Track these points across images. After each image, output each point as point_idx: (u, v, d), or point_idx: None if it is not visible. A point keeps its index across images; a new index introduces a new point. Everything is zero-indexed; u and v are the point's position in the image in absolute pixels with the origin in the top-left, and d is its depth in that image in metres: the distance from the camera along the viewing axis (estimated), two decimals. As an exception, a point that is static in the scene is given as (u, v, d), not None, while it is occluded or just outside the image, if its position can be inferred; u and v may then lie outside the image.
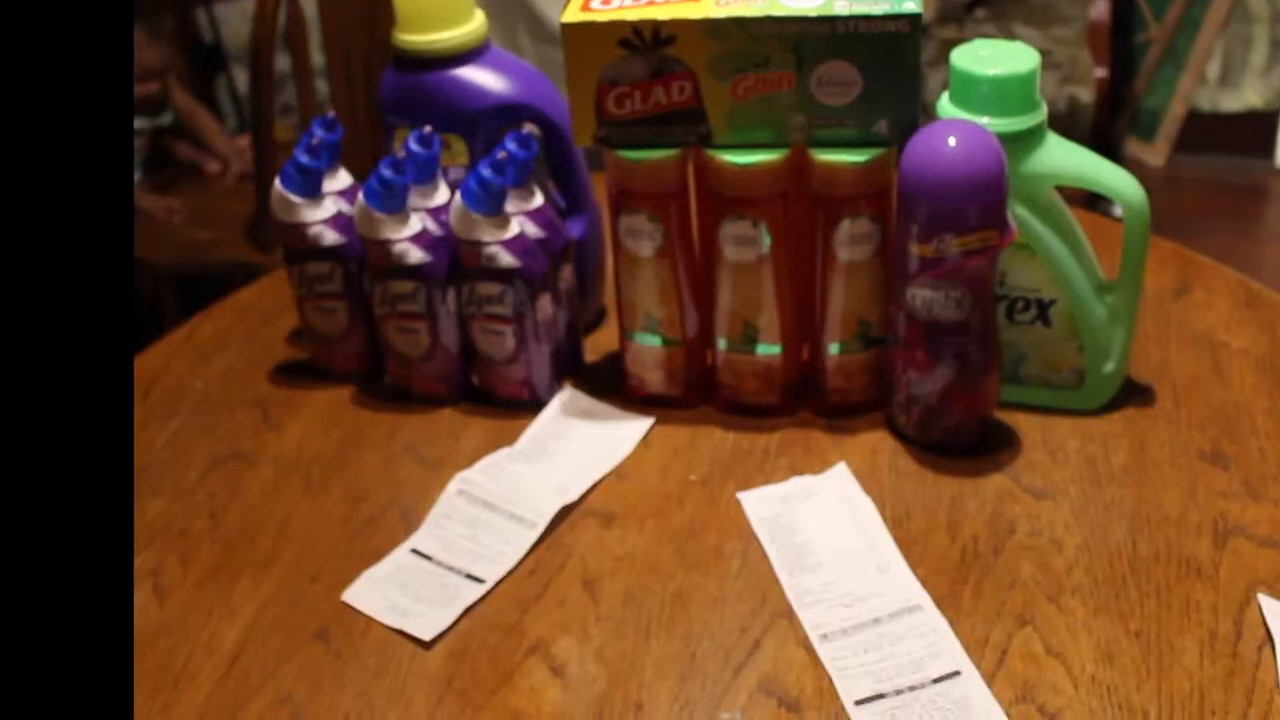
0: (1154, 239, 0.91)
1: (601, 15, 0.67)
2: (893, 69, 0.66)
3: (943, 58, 1.81)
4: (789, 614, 0.64)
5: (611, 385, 0.80)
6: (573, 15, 0.68)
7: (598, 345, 0.84)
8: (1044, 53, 1.68)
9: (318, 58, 1.71)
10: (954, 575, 0.65)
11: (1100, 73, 1.72)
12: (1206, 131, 2.21)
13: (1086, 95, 1.65)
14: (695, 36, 0.66)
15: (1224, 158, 2.23)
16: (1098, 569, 0.65)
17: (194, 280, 1.65)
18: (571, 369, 0.82)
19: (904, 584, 0.65)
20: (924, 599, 0.64)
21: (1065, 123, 1.66)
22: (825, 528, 0.68)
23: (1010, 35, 1.78)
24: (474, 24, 0.77)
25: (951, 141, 0.65)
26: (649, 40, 0.67)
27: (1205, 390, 0.77)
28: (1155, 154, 2.23)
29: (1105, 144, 1.88)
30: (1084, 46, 1.75)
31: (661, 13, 0.67)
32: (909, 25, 0.65)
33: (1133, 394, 0.76)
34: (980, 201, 0.65)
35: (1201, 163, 2.23)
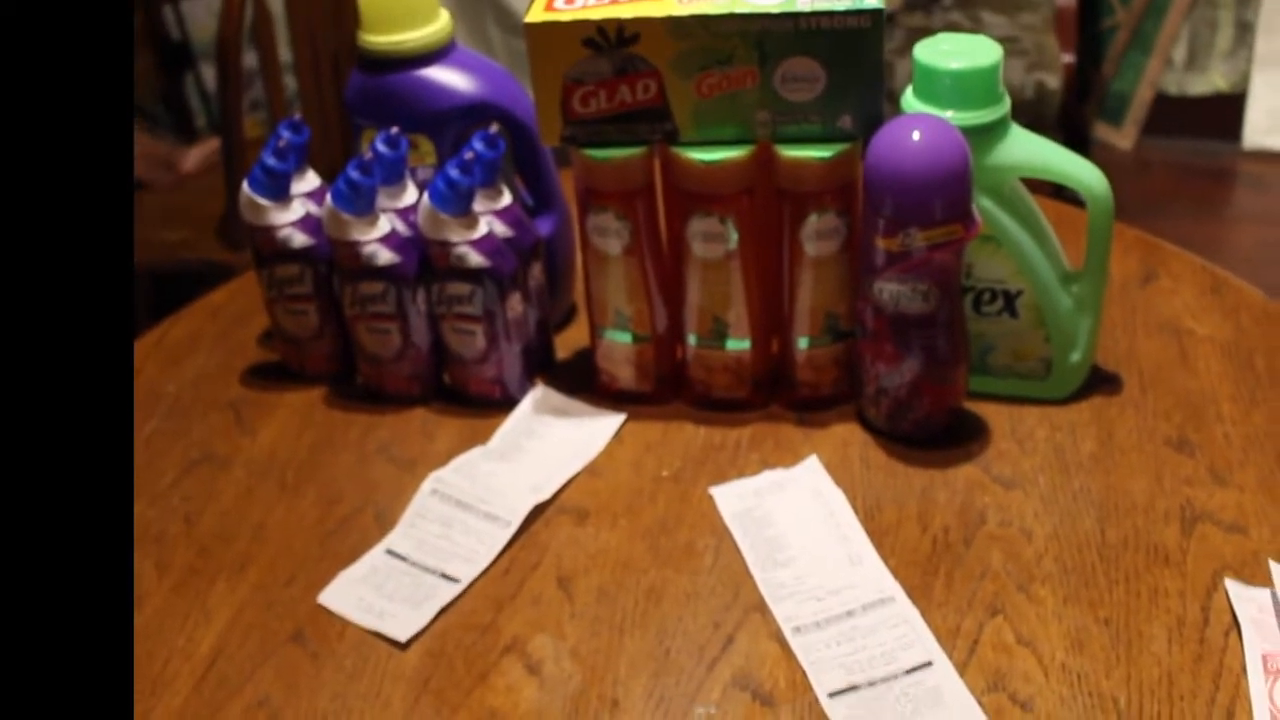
0: (1119, 226, 0.92)
1: (565, 15, 0.67)
2: (856, 64, 0.67)
3: (910, 46, 1.81)
4: (762, 608, 0.64)
5: (583, 382, 0.81)
6: (536, 15, 0.68)
7: (569, 342, 0.84)
8: (1011, 40, 1.68)
9: (285, 53, 1.70)
10: (925, 566, 0.66)
11: (1067, 59, 1.73)
12: (1173, 115, 2.23)
13: (1054, 81, 1.66)
14: (659, 35, 0.66)
15: (1191, 141, 2.25)
16: (1067, 557, 0.66)
17: (166, 280, 1.64)
18: (543, 366, 0.82)
19: (876, 576, 0.65)
20: (896, 590, 0.64)
21: (1033, 109, 1.68)
22: (797, 521, 0.69)
23: (977, 22, 1.79)
24: (439, 24, 0.77)
25: (915, 136, 0.65)
26: (613, 39, 0.67)
27: (1171, 378, 0.77)
28: (1123, 138, 2.24)
29: (1073, 129, 1.89)
30: (1051, 33, 1.76)
31: (625, 11, 0.67)
32: (871, 20, 0.65)
33: (1100, 382, 0.77)
34: (945, 195, 0.65)
35: (1169, 146, 2.25)
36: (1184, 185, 2.19)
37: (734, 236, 0.71)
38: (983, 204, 0.70)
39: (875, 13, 0.65)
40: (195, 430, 0.81)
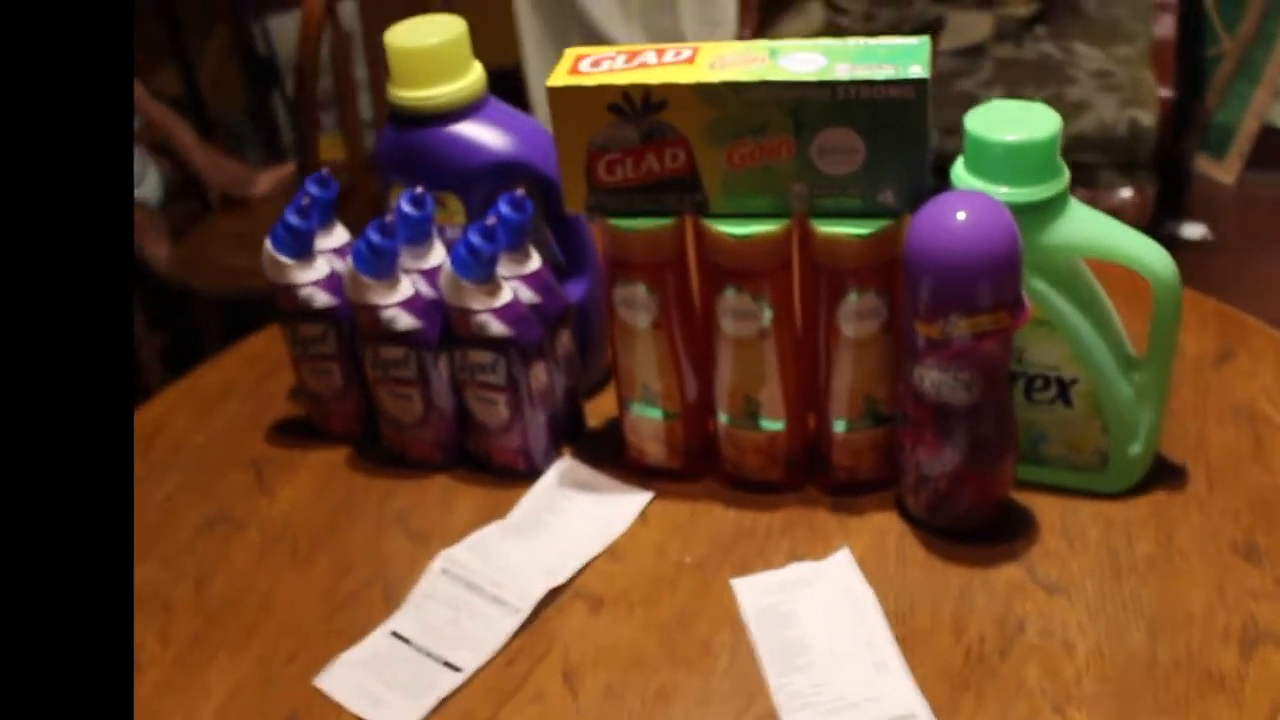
0: (1196, 296, 0.86)
1: (590, 79, 0.64)
2: (899, 136, 0.62)
3: (999, 79, 1.74)
4: (775, 719, 0.60)
5: (613, 452, 0.77)
6: (559, 79, 0.64)
7: (601, 409, 0.81)
8: (1105, 74, 1.61)
9: (362, 72, 1.69)
10: (955, 680, 0.61)
11: (1164, 93, 1.65)
12: (1281, 149, 2.12)
13: (1148, 118, 1.58)
14: (688, 102, 0.63)
15: (1300, 176, 2.14)
16: (1110, 677, 0.60)
17: (233, 309, 1.65)
18: (571, 436, 0.79)
19: (901, 688, 0.61)
20: (920, 706, 0.60)
21: (1126, 148, 1.60)
22: (822, 621, 0.65)
23: (1070, 54, 1.71)
24: (470, 78, 0.74)
25: (960, 216, 0.61)
26: (639, 105, 0.63)
27: (1243, 472, 0.71)
28: (1226, 171, 2.14)
29: (1172, 164, 1.80)
30: (1147, 66, 1.68)
31: (652, 76, 0.63)
32: (915, 91, 0.61)
33: (1163, 474, 0.71)
34: (991, 281, 0.61)
35: (1275, 181, 2.14)
36: (1289, 223, 2.08)
37: (768, 314, 0.67)
38: (1036, 286, 0.65)
39: (919, 83, 0.61)
40: (216, 488, 0.79)
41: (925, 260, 0.61)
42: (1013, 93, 1.63)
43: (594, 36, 2.32)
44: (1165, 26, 1.75)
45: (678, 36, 2.22)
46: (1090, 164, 1.61)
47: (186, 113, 2.04)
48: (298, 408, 0.85)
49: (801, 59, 0.63)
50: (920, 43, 0.63)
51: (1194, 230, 2.01)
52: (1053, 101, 1.64)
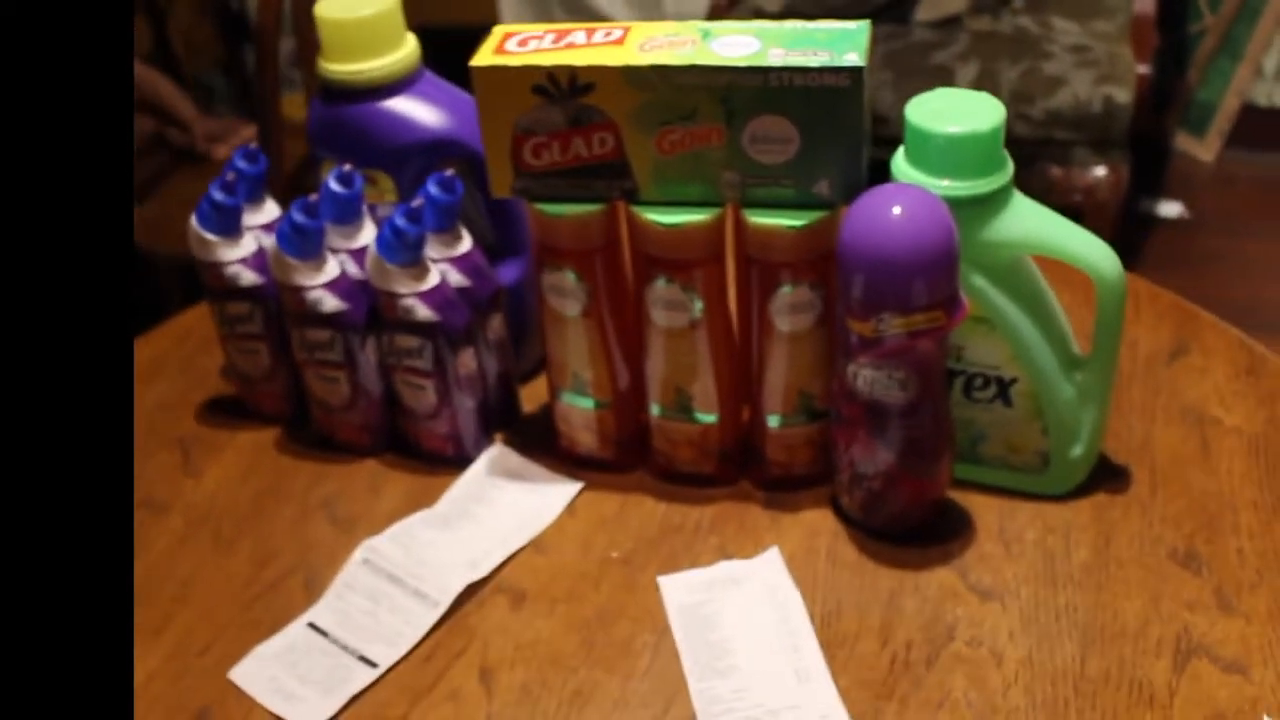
0: (1153, 289, 0.84)
1: (515, 59, 0.61)
2: (834, 126, 0.60)
3: (974, 53, 1.71)
4: (693, 725, 0.59)
5: (548, 440, 0.75)
6: (484, 58, 0.62)
7: (538, 395, 0.79)
8: (1082, 48, 1.58)
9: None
10: (879, 689, 0.59)
11: (1142, 70, 1.62)
12: (1261, 127, 2.09)
13: (1125, 95, 1.55)
14: (615, 85, 0.60)
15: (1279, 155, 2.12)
16: (1038, 690, 0.59)
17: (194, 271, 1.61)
18: (506, 422, 0.77)
19: (823, 696, 0.59)
20: (841, 716, 0.58)
21: (1101, 125, 1.57)
22: (746, 624, 0.63)
23: (1047, 28, 1.68)
24: (403, 51, 0.72)
25: (895, 210, 0.58)
26: (566, 88, 0.61)
27: (1187, 475, 0.70)
28: (1206, 150, 2.11)
29: (1150, 142, 1.78)
30: (1126, 42, 1.65)
31: (579, 58, 0.60)
32: (850, 79, 0.58)
33: (1106, 476, 0.70)
34: (926, 279, 0.58)
35: (1255, 160, 2.12)
36: (1269, 202, 2.06)
37: (698, 306, 0.64)
38: (976, 283, 0.63)
39: (855, 71, 0.58)
40: (143, 469, 0.77)
41: (858, 255, 0.59)
42: (988, 67, 1.60)
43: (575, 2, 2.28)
44: (1145, 2, 1.72)
45: (659, 6, 2.18)
46: (1064, 141, 1.58)
47: (159, 69, 2.00)
48: (230, 385, 0.82)
49: (734, 43, 0.60)
50: (859, 28, 0.61)
51: (1171, 209, 1.99)
52: (1028, 76, 1.62)
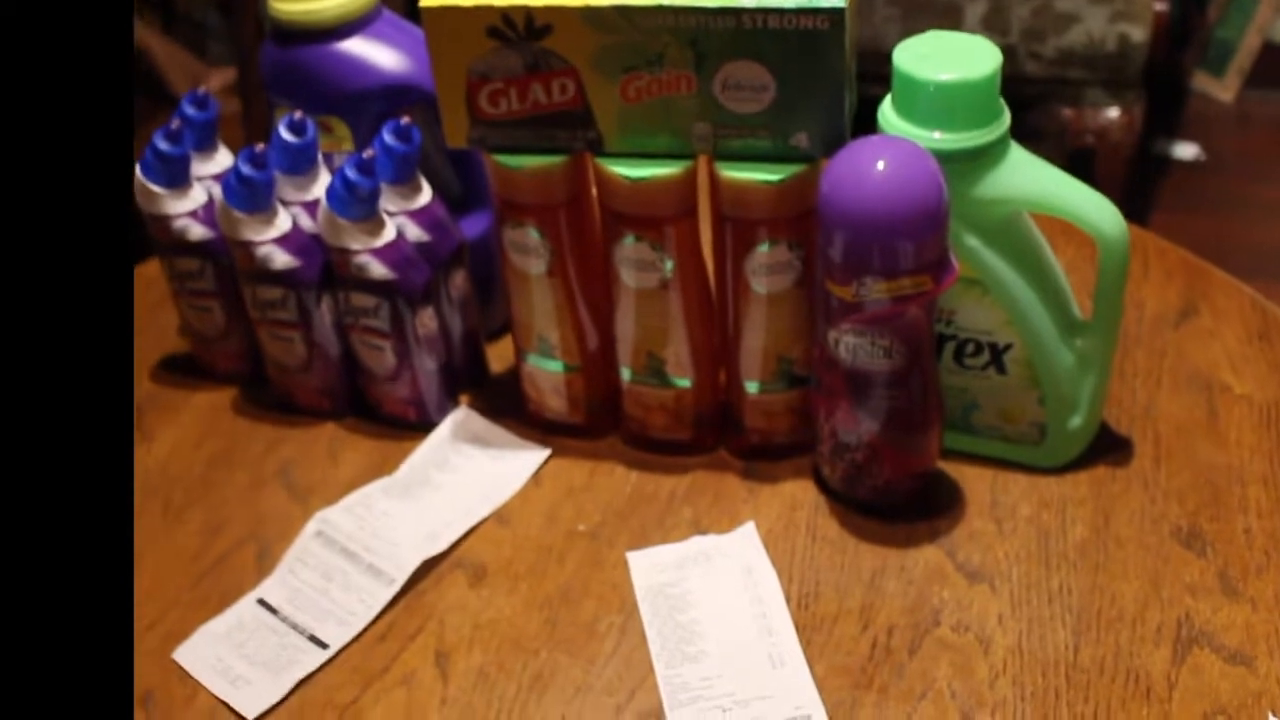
0: (1161, 245, 0.79)
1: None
2: (812, 73, 0.55)
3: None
4: (658, 715, 0.55)
5: (516, 403, 0.71)
6: (435, -2, 0.57)
7: (506, 355, 0.74)
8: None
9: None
10: (857, 676, 0.56)
11: (1159, 6, 1.55)
12: (1284, 66, 2.02)
13: (1140, 34, 1.49)
14: (575, 27, 0.55)
15: (1302, 96, 2.04)
16: (1028, 680, 0.55)
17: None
18: (473, 382, 0.73)
19: (797, 685, 0.55)
20: (815, 707, 0.55)
21: (1114, 64, 1.50)
22: (718, 605, 0.59)
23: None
24: (359, -12, 0.67)
25: (879, 166, 0.54)
26: (522, 30, 0.56)
27: (1193, 446, 0.65)
28: (1225, 89, 2.04)
29: (1167, 81, 1.71)
30: (1144, -24, 1.58)
31: (539, -3, 0.56)
32: (829, 21, 0.53)
33: (1107, 446, 0.65)
34: (912, 240, 0.54)
35: (1275, 99, 2.04)
36: (1290, 145, 2.00)
37: (669, 265, 0.60)
38: (969, 242, 0.58)
39: (835, 12, 0.53)
40: (92, 430, 0.73)
41: (837, 214, 0.54)
42: (998, 3, 1.54)
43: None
44: (1166, -67, 1.64)
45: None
46: (1076, 80, 1.52)
47: (152, 4, 1.94)
48: (186, 344, 0.78)
49: (708, -20, 0.55)
50: (842, -36, 0.56)
51: (1187, 150, 1.93)
52: (1040, 13, 1.55)
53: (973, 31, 1.53)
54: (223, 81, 1.71)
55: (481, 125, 0.59)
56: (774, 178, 0.57)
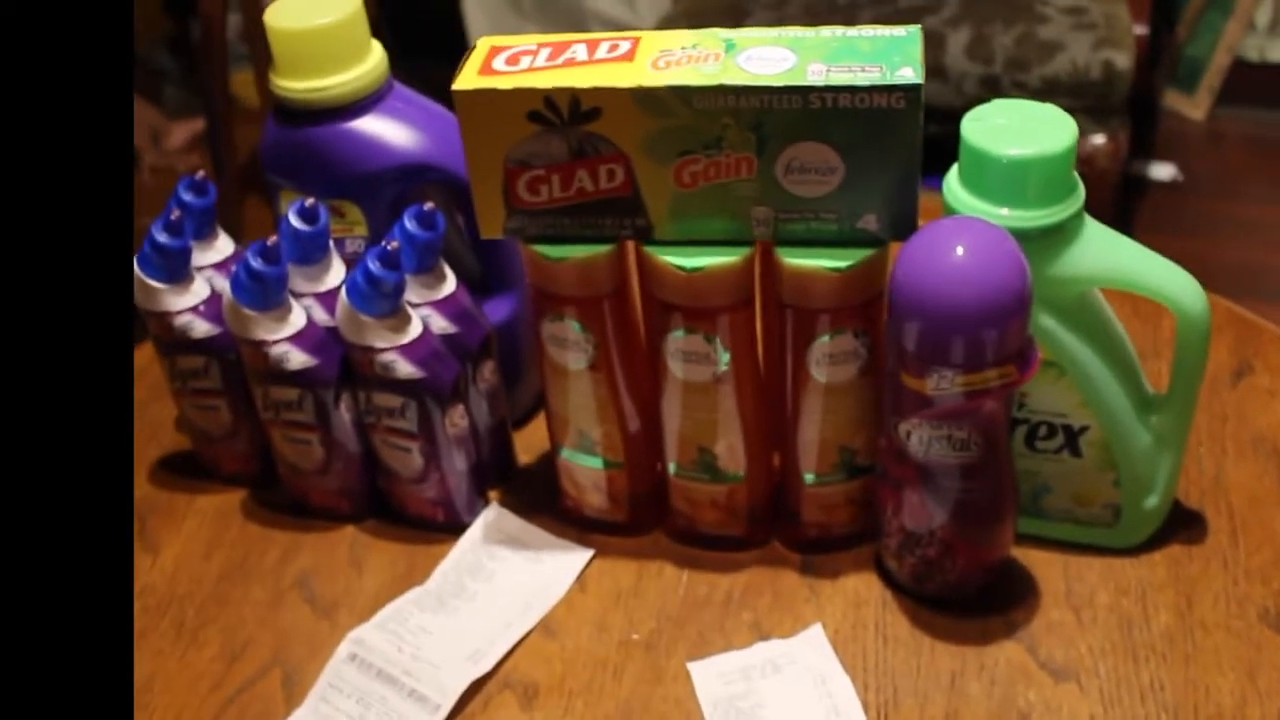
0: (1213, 298, 0.76)
1: (505, 80, 0.52)
2: (886, 152, 0.51)
3: (966, 16, 1.61)
4: None
5: (549, 495, 0.67)
6: (468, 80, 0.53)
7: (534, 442, 0.70)
8: (1078, 10, 1.48)
9: None
10: (951, 797, 0.52)
11: (1140, 30, 1.54)
12: (1253, 82, 2.02)
13: (1124, 60, 1.47)
14: (626, 110, 0.51)
15: (1271, 112, 2.05)
16: (1133, 792, 0.52)
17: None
18: (501, 476, 0.68)
19: (888, 810, 0.52)
20: (912, 835, 0.51)
21: (1100, 91, 1.49)
22: (793, 718, 0.55)
23: (1040, -12, 1.59)
24: (369, 64, 0.62)
25: (959, 250, 0.50)
26: (566, 114, 0.52)
27: (1269, 518, 0.62)
28: (1196, 107, 2.04)
29: (1139, 102, 1.70)
30: (1122, 1, 1.57)
31: (582, 78, 0.51)
32: (906, 100, 0.50)
33: (1179, 523, 0.62)
34: (998, 330, 0.50)
35: (1246, 117, 2.05)
36: (1261, 161, 2.00)
37: (724, 357, 0.56)
38: (1044, 323, 0.55)
39: (911, 89, 0.49)
40: (89, 542, 0.68)
41: (915, 303, 0.51)
42: (981, 32, 1.52)
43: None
44: (1140, -44, 1.64)
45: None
46: (1061, 109, 1.50)
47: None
48: (185, 439, 0.73)
49: (764, 56, 0.51)
50: (909, 34, 0.52)
51: (1163, 171, 1.92)
52: (1023, 41, 1.53)
53: (955, 61, 1.51)
54: (188, 135, 1.66)
55: (520, 214, 0.55)
56: (840, 264, 0.53)
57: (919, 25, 0.53)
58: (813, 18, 1.61)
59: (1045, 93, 1.50)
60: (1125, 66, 1.47)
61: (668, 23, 1.69)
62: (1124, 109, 1.53)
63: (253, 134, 1.49)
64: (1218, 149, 2.02)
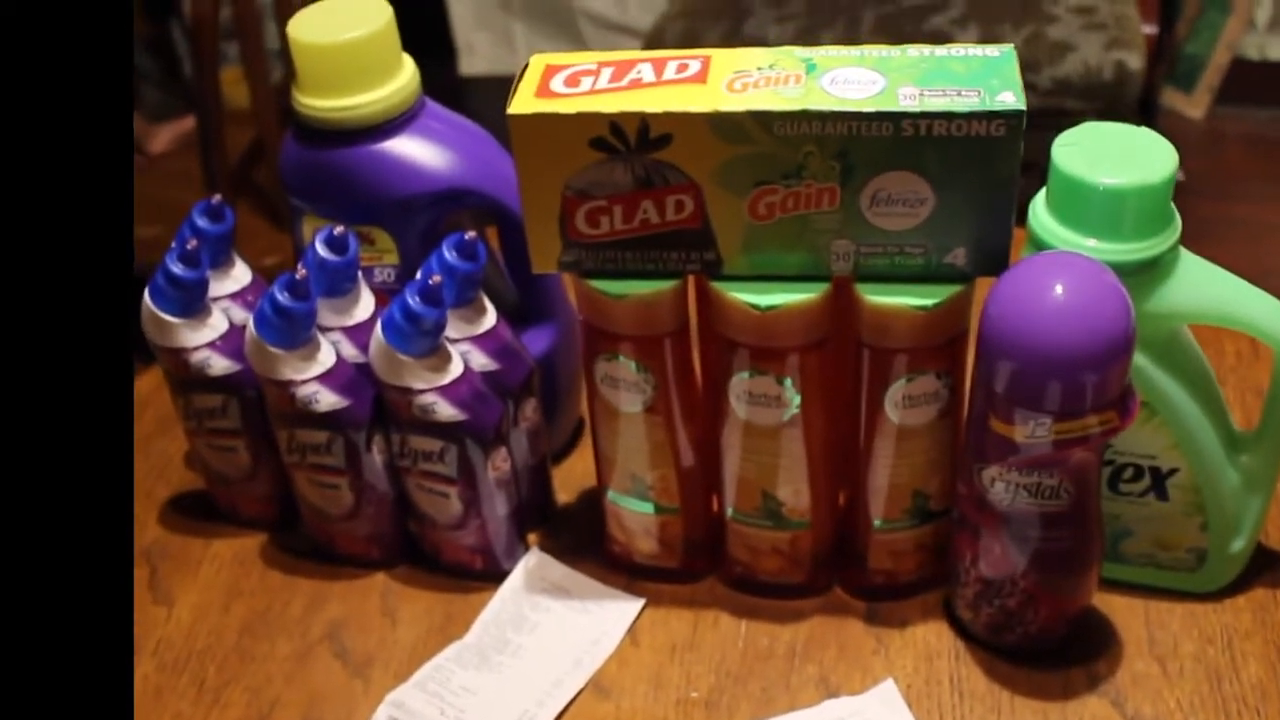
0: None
1: (565, 104, 0.48)
2: (981, 183, 0.47)
3: (973, 16, 1.56)
4: None
5: (593, 538, 0.63)
6: (524, 103, 0.48)
7: (573, 479, 0.66)
8: (1088, 10, 1.44)
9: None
10: None
11: (1149, 29, 1.51)
12: (1253, 81, 2.00)
13: (1136, 60, 1.44)
14: (700, 137, 0.47)
15: (1270, 111, 2.03)
16: None
17: (138, 286, 1.45)
18: (540, 518, 0.64)
19: None
20: None
21: (1111, 93, 1.46)
22: (872, 788, 0.52)
23: (1047, -14, 1.56)
24: (401, 81, 0.58)
25: (1059, 289, 0.46)
26: (634, 141, 0.48)
27: (1355, 560, 0.59)
28: (1194, 106, 2.02)
29: (1142, 102, 1.67)
30: (1131, 1, 1.54)
31: (651, 102, 0.47)
32: (1007, 127, 0.46)
33: (1260, 564, 0.59)
34: (1098, 375, 0.47)
35: (1245, 116, 2.03)
36: (1261, 160, 1.98)
37: (795, 400, 0.52)
38: (1136, 361, 0.51)
39: (1013, 116, 0.46)
40: (96, 591, 0.63)
41: (1009, 345, 0.47)
42: (988, 32, 1.48)
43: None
44: (1145, -46, 1.61)
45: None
46: (1072, 110, 1.47)
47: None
48: (197, 478, 0.69)
49: (850, 78, 0.47)
50: (1004, 54, 0.48)
51: (1164, 171, 1.89)
52: (1033, 42, 1.50)
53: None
54: (174, 136, 1.59)
55: (576, 248, 0.51)
56: (926, 303, 0.49)
57: (1011, 46, 0.49)
58: (814, 15, 1.57)
59: (1057, 93, 1.46)
60: (1137, 67, 1.44)
61: (666, 21, 1.64)
62: (1135, 110, 1.50)
63: (240, 135, 1.43)
64: (1217, 149, 2.00)
